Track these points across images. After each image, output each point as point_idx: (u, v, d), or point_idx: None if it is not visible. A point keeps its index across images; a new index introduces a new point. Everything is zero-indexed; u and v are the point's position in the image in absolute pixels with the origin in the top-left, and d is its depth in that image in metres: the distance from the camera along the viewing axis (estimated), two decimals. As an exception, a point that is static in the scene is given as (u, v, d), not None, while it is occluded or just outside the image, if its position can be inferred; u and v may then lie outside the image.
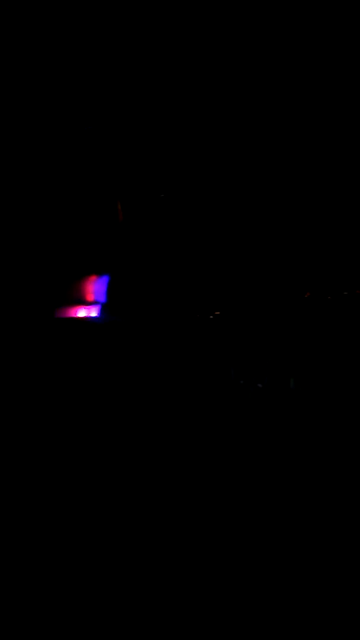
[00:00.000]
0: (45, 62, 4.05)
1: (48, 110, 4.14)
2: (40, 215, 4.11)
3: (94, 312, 4.00)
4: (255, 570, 2.11)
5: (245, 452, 3.19)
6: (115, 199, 4.14)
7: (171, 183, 4.16)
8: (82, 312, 4.00)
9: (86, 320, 3.95)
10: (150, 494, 2.76)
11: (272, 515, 2.50)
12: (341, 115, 3.86)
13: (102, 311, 4.01)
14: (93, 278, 4.05)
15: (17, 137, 4.12)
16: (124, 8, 3.93)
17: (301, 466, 2.99)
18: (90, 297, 4.03)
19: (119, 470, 3.05)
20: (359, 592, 1.95)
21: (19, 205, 4.11)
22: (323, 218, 3.89)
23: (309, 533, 2.34)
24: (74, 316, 4.00)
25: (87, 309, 4.00)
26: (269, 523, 2.44)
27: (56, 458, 3.19)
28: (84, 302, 4.02)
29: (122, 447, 3.32)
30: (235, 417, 3.55)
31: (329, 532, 2.34)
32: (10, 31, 3.89)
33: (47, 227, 4.11)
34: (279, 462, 3.06)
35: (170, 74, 4.09)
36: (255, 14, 3.74)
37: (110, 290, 4.03)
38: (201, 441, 3.34)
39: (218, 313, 4.02)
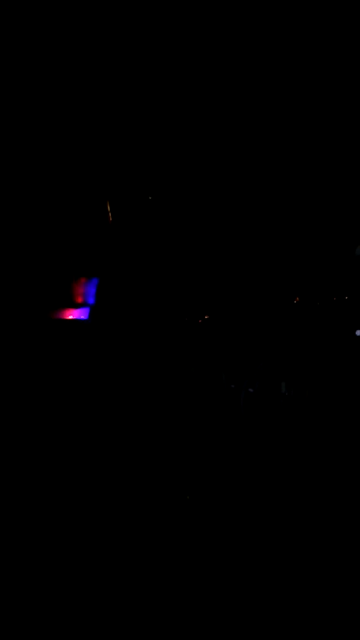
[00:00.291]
0: (33, 62, 3.95)
1: (36, 111, 4.03)
2: (27, 216, 4.00)
3: (83, 315, 3.93)
4: (248, 571, 2.13)
5: (238, 455, 3.22)
6: (105, 200, 4.09)
7: (161, 185, 4.15)
8: (71, 315, 3.92)
9: (75, 322, 3.88)
10: (142, 499, 2.74)
11: (266, 517, 2.54)
12: (333, 119, 3.97)
13: (91, 313, 3.95)
14: (82, 280, 3.97)
15: (3, 137, 3.99)
16: (117, 10, 3.89)
17: (293, 469, 3.05)
18: (79, 299, 3.95)
19: (107, 475, 3.01)
20: (358, 592, 2.01)
21: (6, 206, 3.98)
22: (312, 224, 3.99)
23: (305, 535, 2.39)
24: (63, 318, 3.92)
25: (76, 311, 3.93)
26: (263, 524, 2.47)
27: (45, 462, 3.11)
28: (72, 304, 3.95)
29: (112, 451, 3.27)
30: (227, 421, 3.58)
31: (324, 533, 2.40)
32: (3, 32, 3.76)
33: (35, 228, 4.00)
34: (272, 466, 3.10)
35: (160, 76, 4.08)
36: (252, 14, 3.79)
37: (100, 293, 3.98)
38: (193, 445, 3.34)
39: (207, 317, 4.04)
